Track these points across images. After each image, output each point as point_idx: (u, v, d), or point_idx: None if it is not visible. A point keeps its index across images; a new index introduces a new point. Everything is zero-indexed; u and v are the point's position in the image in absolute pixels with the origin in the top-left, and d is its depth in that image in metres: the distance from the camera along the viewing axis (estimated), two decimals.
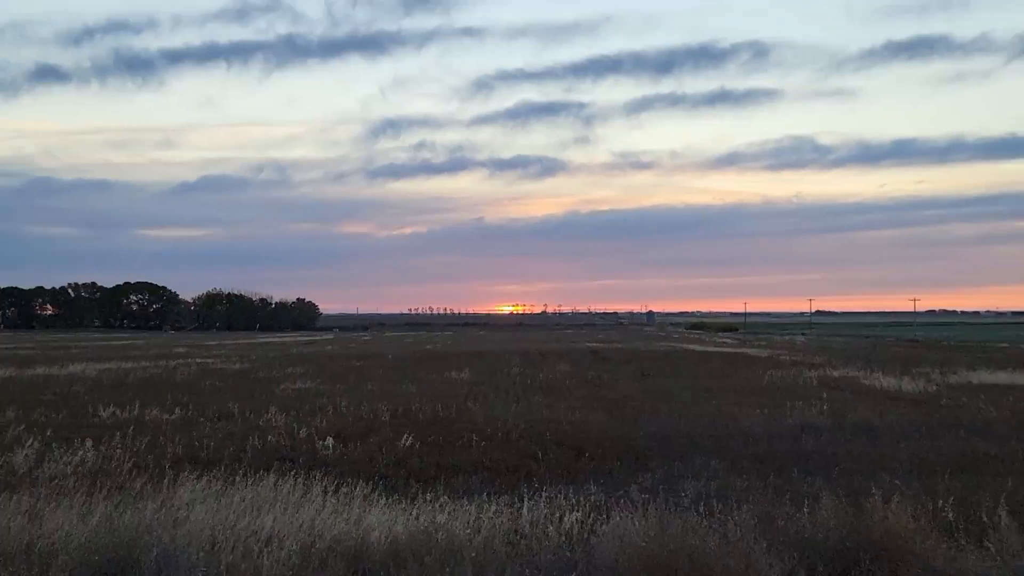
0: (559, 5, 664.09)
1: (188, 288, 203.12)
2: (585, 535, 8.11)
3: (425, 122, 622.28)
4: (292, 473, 11.28)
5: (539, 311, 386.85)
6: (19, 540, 7.72)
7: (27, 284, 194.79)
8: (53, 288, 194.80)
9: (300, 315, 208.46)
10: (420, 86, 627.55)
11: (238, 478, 10.97)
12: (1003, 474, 12.36)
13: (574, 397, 25.22)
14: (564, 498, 10.16)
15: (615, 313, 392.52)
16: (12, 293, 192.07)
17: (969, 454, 14.47)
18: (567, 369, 37.80)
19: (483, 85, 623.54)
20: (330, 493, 9.83)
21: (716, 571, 6.89)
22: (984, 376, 32.13)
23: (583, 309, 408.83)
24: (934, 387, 28.03)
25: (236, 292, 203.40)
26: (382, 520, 8.67)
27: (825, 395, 25.38)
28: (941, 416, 20.13)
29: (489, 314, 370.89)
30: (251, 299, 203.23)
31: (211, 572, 6.88)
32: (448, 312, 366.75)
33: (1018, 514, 8.70)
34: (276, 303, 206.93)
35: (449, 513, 9.06)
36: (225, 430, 17.65)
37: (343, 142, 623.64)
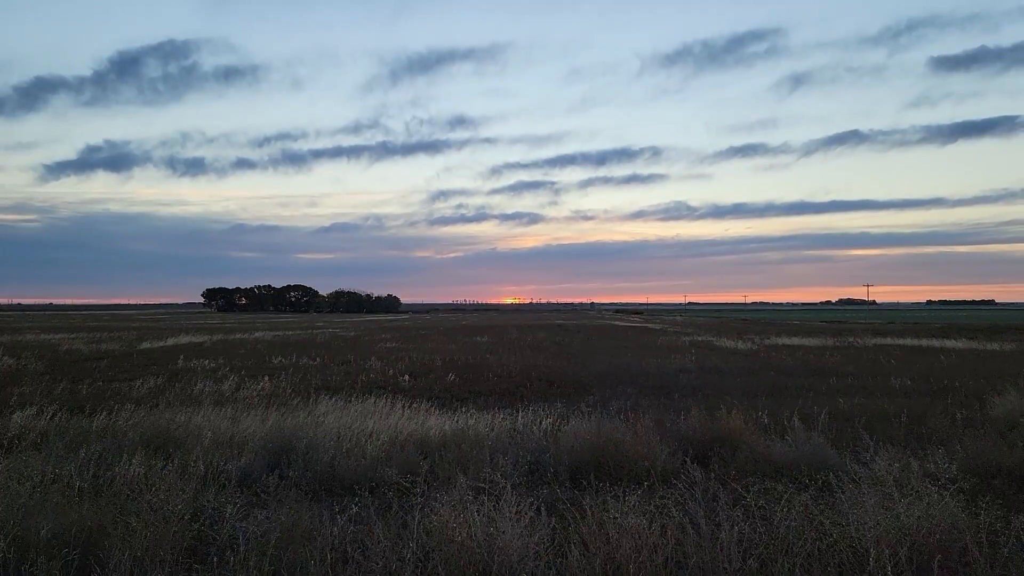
0: (539, 125, 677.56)
1: (324, 288, 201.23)
2: (555, 431, 8.08)
3: (462, 192, 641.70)
4: (384, 396, 11.25)
5: (528, 302, 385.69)
6: (226, 434, 7.70)
7: (230, 285, 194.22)
8: (245, 287, 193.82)
9: (389, 304, 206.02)
10: (459, 171, 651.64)
11: (353, 398, 10.94)
12: (795, 396, 12.31)
13: (548, 352, 25.10)
14: (542, 410, 10.12)
15: (571, 303, 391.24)
16: (221, 291, 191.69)
17: (776, 385, 14.42)
18: (543, 336, 37.64)
19: (496, 171, 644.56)
20: (406, 407, 9.78)
21: (630, 453, 6.87)
22: (784, 340, 31.99)
23: (553, 300, 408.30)
24: (756, 346, 27.94)
25: (352, 290, 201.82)
26: (437, 423, 8.64)
27: (693, 351, 25.26)
28: (760, 363, 20.04)
29: (499, 303, 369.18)
30: (360, 294, 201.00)
31: (337, 452, 6.86)
32: (475, 302, 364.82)
33: (804, 420, 8.69)
34: (375, 296, 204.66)
35: (475, 419, 9.04)
36: (344, 370, 17.60)
37: (415, 203, 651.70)
